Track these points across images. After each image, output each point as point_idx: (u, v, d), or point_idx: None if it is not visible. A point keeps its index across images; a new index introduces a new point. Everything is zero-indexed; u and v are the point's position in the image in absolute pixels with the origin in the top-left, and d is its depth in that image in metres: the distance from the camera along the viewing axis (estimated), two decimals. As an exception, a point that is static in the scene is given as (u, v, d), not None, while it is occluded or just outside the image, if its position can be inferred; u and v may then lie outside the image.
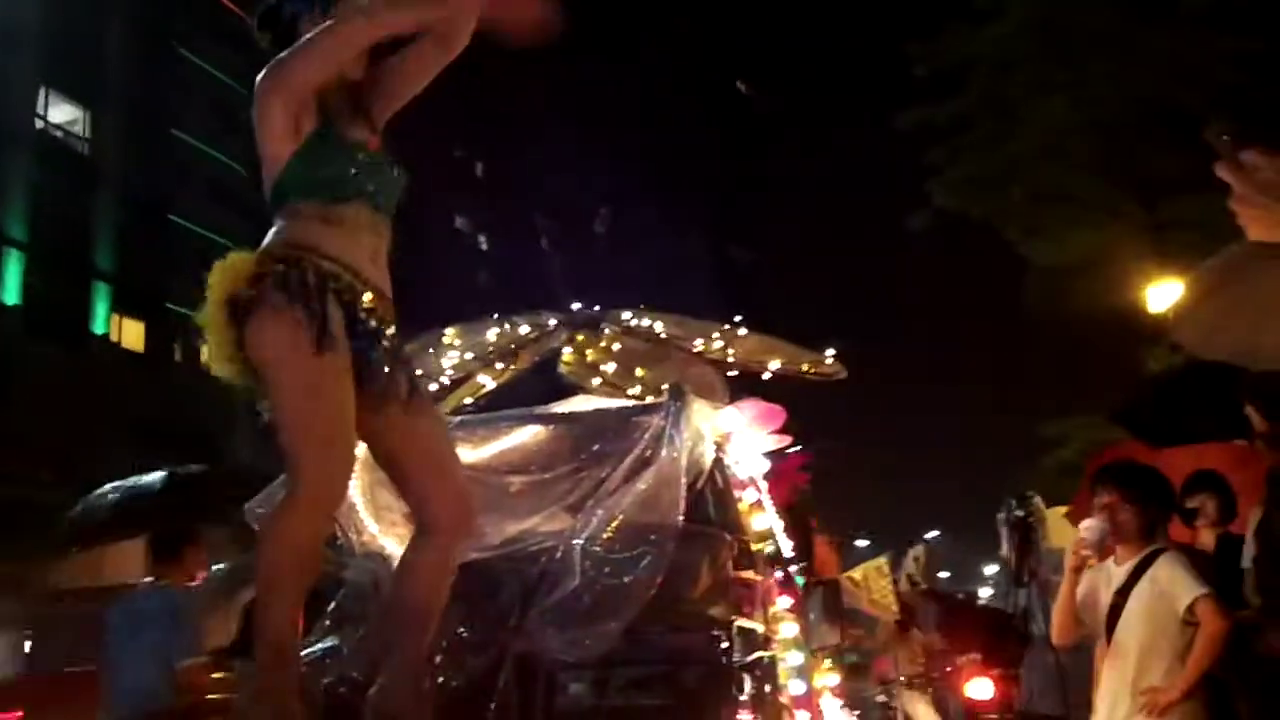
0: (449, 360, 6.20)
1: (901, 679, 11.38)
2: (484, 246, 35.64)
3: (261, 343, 3.46)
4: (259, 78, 3.64)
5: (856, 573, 11.06)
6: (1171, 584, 4.82)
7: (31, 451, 26.78)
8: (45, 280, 29.02)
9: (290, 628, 3.44)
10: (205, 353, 3.59)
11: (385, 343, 3.66)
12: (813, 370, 6.35)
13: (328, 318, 3.44)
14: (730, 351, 6.18)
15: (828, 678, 6.60)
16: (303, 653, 4.71)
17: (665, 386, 5.55)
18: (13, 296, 28.39)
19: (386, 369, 3.62)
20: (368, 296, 3.62)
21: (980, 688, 15.26)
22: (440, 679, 4.91)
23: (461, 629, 5.01)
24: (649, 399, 5.69)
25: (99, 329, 30.77)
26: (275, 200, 3.70)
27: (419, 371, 6.03)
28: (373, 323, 3.62)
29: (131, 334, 31.52)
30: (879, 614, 11.14)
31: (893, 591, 11.15)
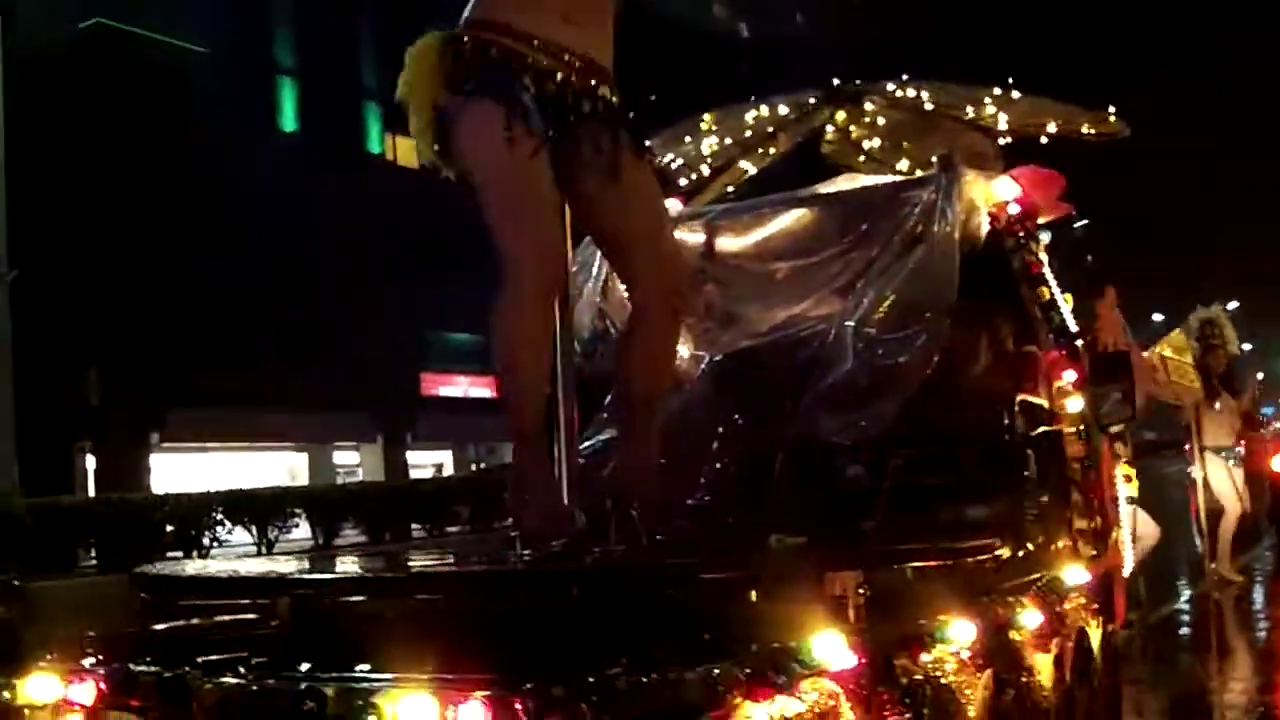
0: (707, 146, 6.04)
1: (1205, 447, 10.93)
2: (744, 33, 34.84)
3: (458, 137, 3.44)
4: None
5: (1152, 353, 10.55)
6: None
7: (318, 275, 28.21)
8: (319, 105, 30.07)
9: (538, 414, 3.46)
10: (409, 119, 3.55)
11: (587, 112, 3.52)
12: (1094, 130, 5.90)
13: (516, 107, 3.34)
14: (1003, 117, 5.80)
15: (1119, 452, 6.36)
16: (582, 446, 4.82)
17: (935, 159, 5.29)
18: (290, 123, 29.59)
19: (585, 144, 3.52)
20: (559, 72, 3.47)
21: (1287, 461, 14.66)
22: (718, 465, 4.95)
23: (736, 416, 5.00)
24: (918, 173, 5.42)
25: (374, 148, 31.82)
26: None
27: (672, 159, 5.95)
28: (568, 97, 3.49)
29: (406, 150, 32.47)
30: (1183, 395, 10.63)
31: (1193, 366, 10.61)
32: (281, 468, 31.09)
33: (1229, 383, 11.12)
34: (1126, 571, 6.27)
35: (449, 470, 34.70)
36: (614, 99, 3.61)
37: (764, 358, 4.98)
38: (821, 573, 2.86)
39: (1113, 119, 5.93)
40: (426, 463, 35.13)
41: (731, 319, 5.34)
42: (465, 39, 3.45)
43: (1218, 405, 10.87)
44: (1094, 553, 5.04)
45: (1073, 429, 5.04)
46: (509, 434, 3.49)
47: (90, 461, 27.51)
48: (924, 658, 3.00)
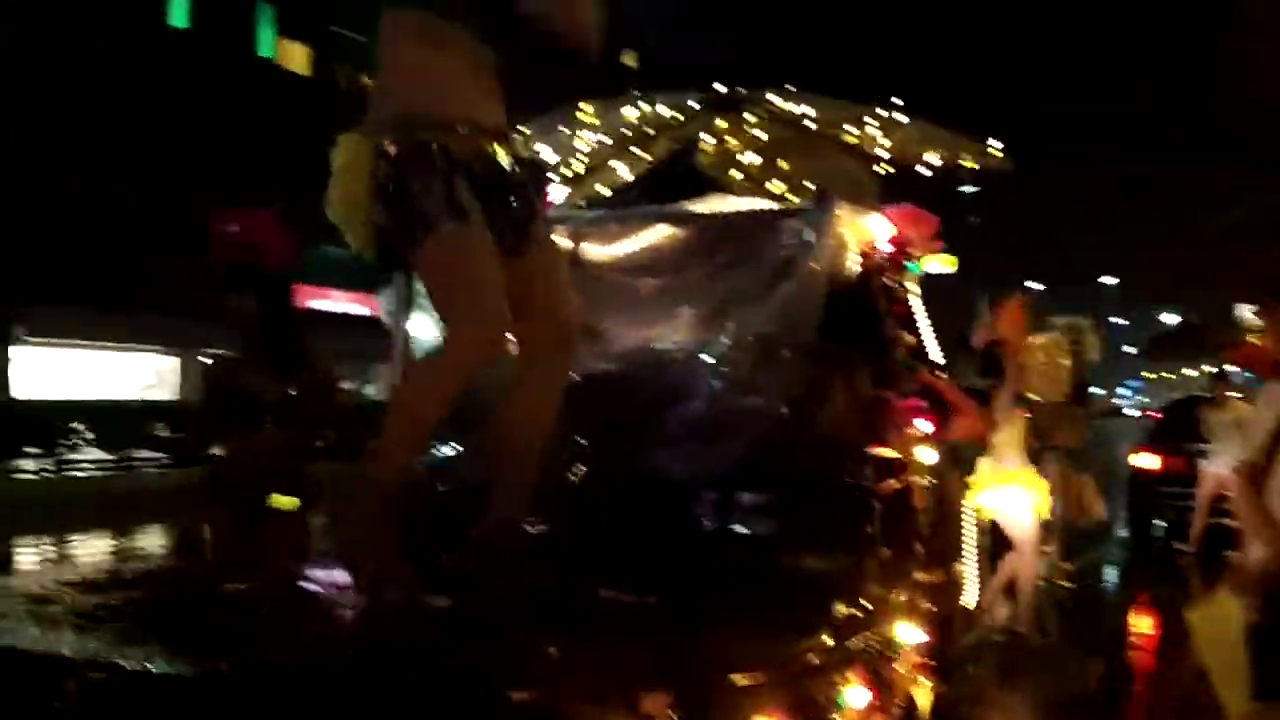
0: (583, 142, 5.85)
1: (1053, 447, 11.04)
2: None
3: (400, 230, 3.36)
4: None
5: (1036, 343, 10.57)
6: None
7: (199, 177, 27.37)
8: (211, 3, 29.00)
9: (415, 450, 3.56)
10: (343, 233, 3.48)
11: (506, 181, 3.50)
12: (977, 163, 5.82)
13: (455, 196, 3.31)
14: (885, 142, 5.67)
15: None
16: (424, 456, 4.66)
17: (810, 185, 5.17)
18: (181, 19, 28.53)
19: (516, 224, 3.51)
20: (484, 150, 3.45)
21: (1148, 460, 15.10)
22: (558, 490, 4.78)
23: (582, 441, 4.85)
24: (793, 199, 5.28)
25: (264, 52, 30.84)
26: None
27: (547, 148, 5.75)
28: (493, 171, 3.46)
29: (296, 57, 31.52)
30: (1047, 392, 10.70)
31: (1068, 368, 10.67)
32: (150, 371, 30.31)
33: (1081, 390, 11.22)
34: (970, 600, 6.30)
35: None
36: (518, 156, 3.59)
37: (616, 382, 4.82)
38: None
39: (996, 152, 5.86)
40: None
41: (590, 333, 5.16)
42: (389, 138, 3.35)
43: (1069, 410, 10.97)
44: (933, 608, 5.00)
45: (922, 480, 4.99)
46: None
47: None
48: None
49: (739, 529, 4.51)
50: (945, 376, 5.74)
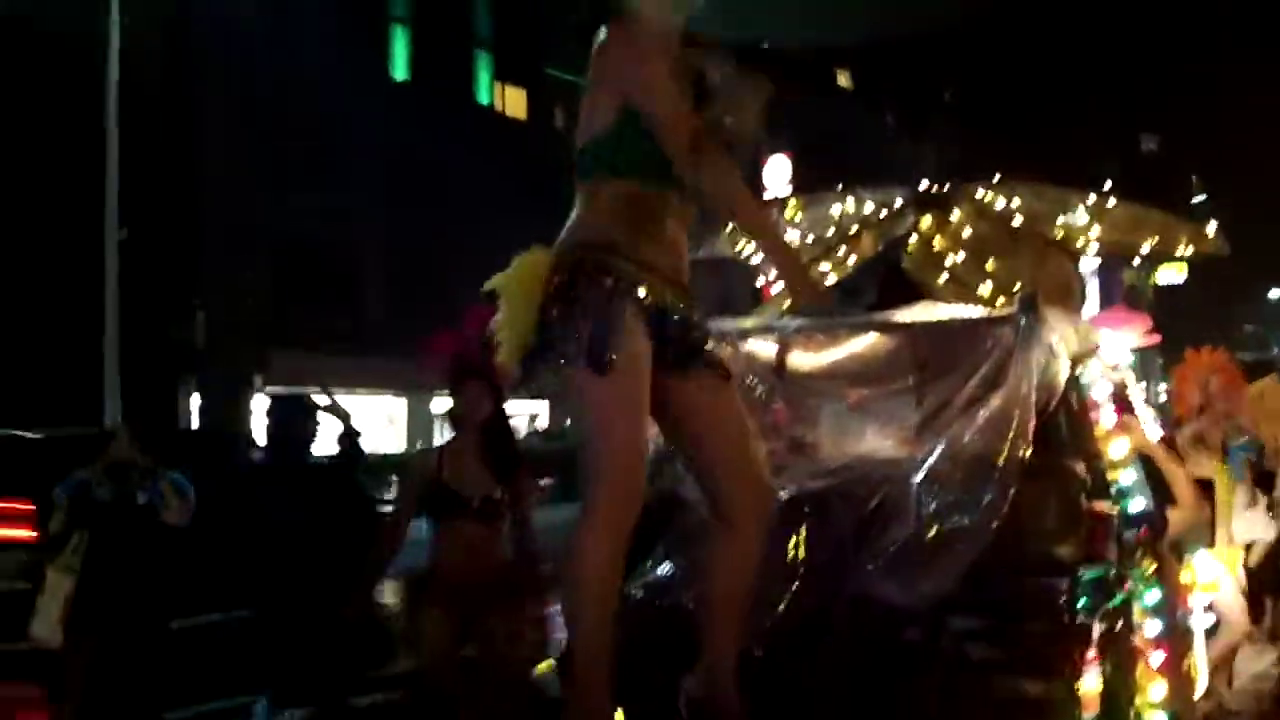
0: (789, 239, 5.90)
1: None
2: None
3: (558, 349, 3.41)
4: (609, 35, 3.53)
5: (1255, 387, 10.12)
6: None
7: (424, 223, 28.37)
8: (430, 53, 30.04)
9: (600, 649, 3.42)
10: (500, 347, 3.52)
11: (690, 333, 3.57)
12: (1191, 248, 5.65)
13: (623, 332, 3.34)
14: (1096, 229, 5.55)
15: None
16: (644, 580, 4.78)
17: (1015, 289, 5.10)
18: (401, 72, 29.63)
19: (681, 367, 3.54)
20: (669, 294, 3.50)
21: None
22: (771, 610, 4.82)
23: (791, 559, 4.90)
24: (1000, 300, 5.22)
25: (483, 99, 31.77)
26: (581, 168, 3.59)
27: (752, 252, 5.82)
28: (676, 316, 3.52)
29: (514, 101, 32.38)
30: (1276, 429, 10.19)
31: None
32: (381, 414, 31.43)
33: None
34: (1201, 692, 6.10)
35: (543, 423, 34.76)
36: (699, 318, 3.63)
37: (828, 503, 4.85)
38: None
39: (1212, 235, 5.69)
40: (524, 413, 35.24)
41: (798, 446, 5.22)
42: (573, 257, 3.43)
43: None
44: (1163, 713, 4.87)
45: (1140, 589, 4.88)
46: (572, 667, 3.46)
47: (195, 400, 28.04)
48: None
49: (952, 654, 4.48)
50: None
